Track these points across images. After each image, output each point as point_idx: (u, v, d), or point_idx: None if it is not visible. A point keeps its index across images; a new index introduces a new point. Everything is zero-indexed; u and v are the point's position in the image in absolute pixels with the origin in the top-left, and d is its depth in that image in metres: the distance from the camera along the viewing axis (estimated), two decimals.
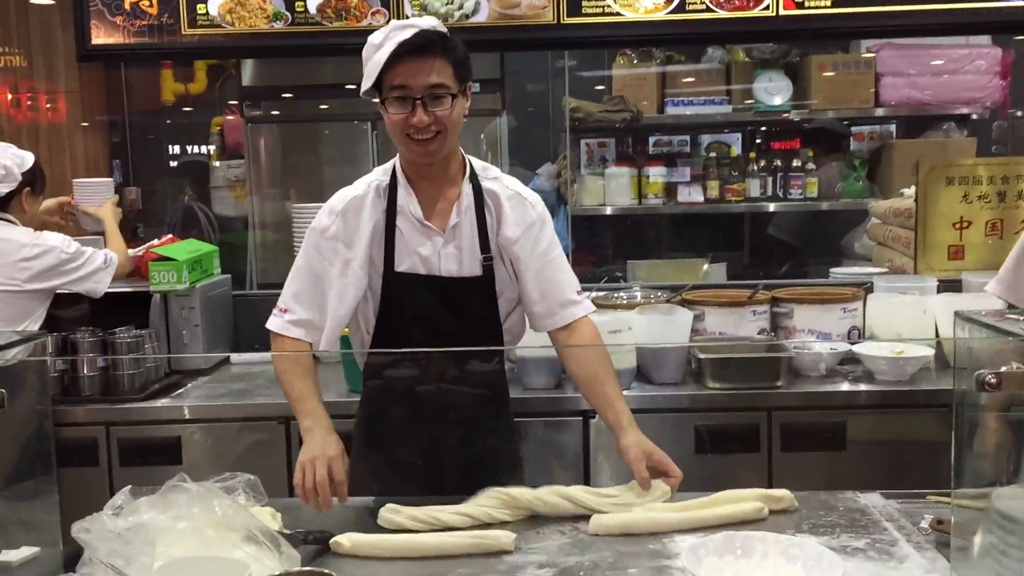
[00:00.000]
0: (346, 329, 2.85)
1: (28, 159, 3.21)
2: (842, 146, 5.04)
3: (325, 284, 2.17)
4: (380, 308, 2.20)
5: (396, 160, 2.23)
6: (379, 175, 2.23)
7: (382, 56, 2.01)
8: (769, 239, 5.09)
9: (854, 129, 5.14)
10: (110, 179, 3.96)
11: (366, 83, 2.08)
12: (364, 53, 2.09)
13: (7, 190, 3.13)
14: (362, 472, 2.28)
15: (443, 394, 2.24)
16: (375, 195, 2.18)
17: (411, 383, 2.25)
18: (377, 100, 2.13)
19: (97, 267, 3.19)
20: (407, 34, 2.02)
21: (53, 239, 3.14)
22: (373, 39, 2.07)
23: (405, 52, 2.01)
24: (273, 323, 2.23)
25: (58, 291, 3.16)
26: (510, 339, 2.33)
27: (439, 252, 2.16)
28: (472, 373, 2.27)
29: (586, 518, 1.89)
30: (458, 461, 2.22)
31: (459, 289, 2.17)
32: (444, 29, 2.10)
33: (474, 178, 2.21)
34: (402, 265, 2.16)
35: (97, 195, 3.73)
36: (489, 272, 2.18)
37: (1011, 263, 2.48)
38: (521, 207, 2.21)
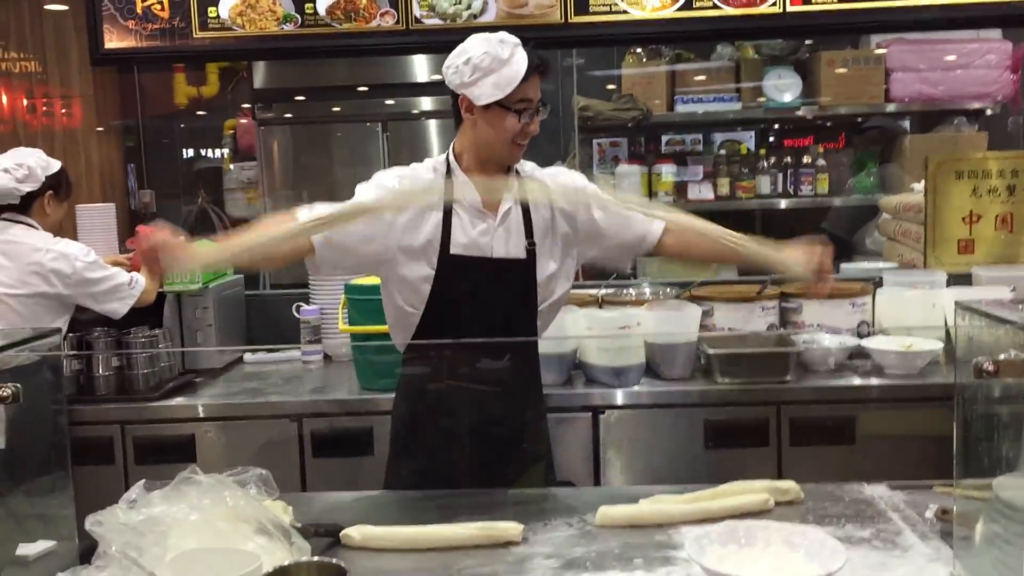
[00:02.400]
0: (355, 328, 2.89)
1: (54, 165, 3.23)
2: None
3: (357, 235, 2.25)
4: (433, 288, 2.29)
5: (447, 155, 2.36)
6: (435, 162, 2.37)
7: (517, 72, 2.18)
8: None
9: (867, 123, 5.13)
10: (111, 204, 4.02)
11: (497, 94, 2.19)
12: (481, 62, 2.19)
13: (28, 190, 3.14)
14: (396, 458, 2.39)
15: (478, 385, 2.32)
16: (436, 176, 2.34)
17: (446, 372, 2.33)
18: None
19: (119, 284, 3.13)
20: (524, 53, 2.21)
21: (70, 246, 3.12)
22: (496, 52, 2.19)
23: (534, 68, 2.21)
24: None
25: (78, 306, 3.13)
26: (542, 324, 2.42)
27: (492, 234, 2.30)
28: (509, 361, 2.35)
29: (593, 510, 1.90)
30: (492, 452, 2.31)
31: (506, 269, 2.31)
32: None
33: (516, 172, 2.39)
34: (457, 248, 2.27)
35: (99, 218, 3.79)
36: (532, 256, 2.32)
37: None
38: (564, 174, 2.47)
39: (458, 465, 2.31)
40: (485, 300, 2.28)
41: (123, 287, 3.14)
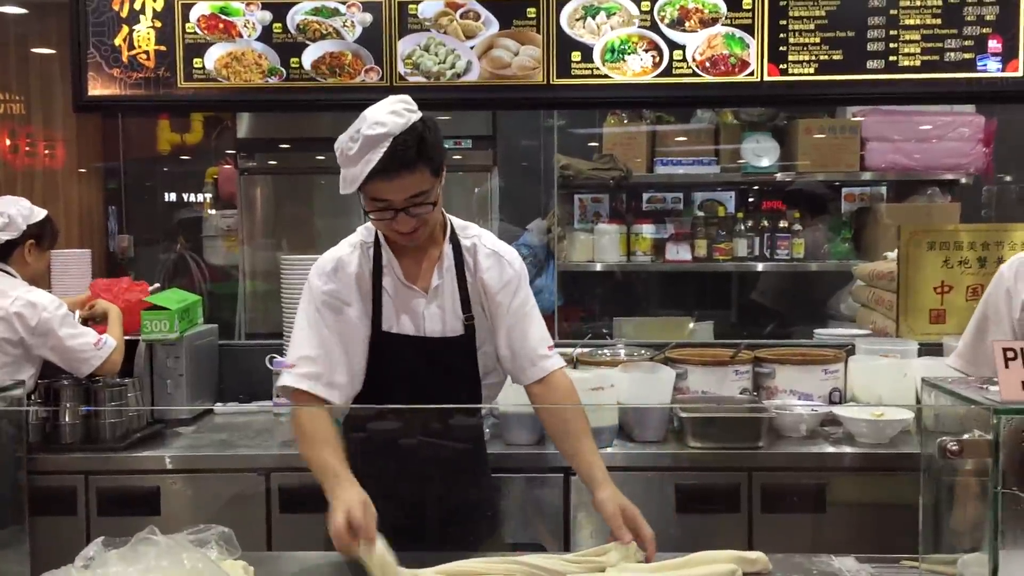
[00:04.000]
0: None
1: (39, 214, 3.20)
2: (827, 208, 5.10)
3: (333, 342, 2.18)
4: (367, 368, 2.22)
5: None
6: (363, 234, 2.27)
7: (358, 175, 2.00)
8: (755, 301, 5.14)
9: (844, 191, 5.21)
10: (87, 250, 3.99)
11: (347, 188, 2.05)
12: (338, 157, 2.06)
13: (7, 238, 3.11)
14: None
15: (421, 449, 2.25)
16: (361, 254, 2.23)
17: (389, 438, 2.26)
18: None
19: (85, 343, 3.06)
20: (381, 150, 1.97)
21: (41, 297, 3.06)
22: (345, 148, 2.03)
23: (381, 171, 1.99)
24: (286, 379, 2.19)
25: (45, 359, 3.06)
26: (489, 394, 2.36)
27: (422, 313, 2.21)
28: (450, 429, 2.28)
29: None
30: (436, 516, 2.23)
31: (442, 348, 2.22)
32: (415, 116, 2.06)
33: (454, 237, 2.27)
34: (389, 325, 2.20)
35: (73, 265, 3.76)
36: (470, 331, 2.23)
37: (969, 337, 2.51)
38: (499, 265, 2.26)
39: (402, 532, 2.20)
40: (421, 380, 2.20)
41: (89, 347, 3.07)
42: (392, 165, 1.99)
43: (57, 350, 3.05)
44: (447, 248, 2.24)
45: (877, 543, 2.14)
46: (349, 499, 1.90)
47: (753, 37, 3.41)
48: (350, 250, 2.24)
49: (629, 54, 3.44)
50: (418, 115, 2.07)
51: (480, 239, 2.28)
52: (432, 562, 1.96)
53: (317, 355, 2.16)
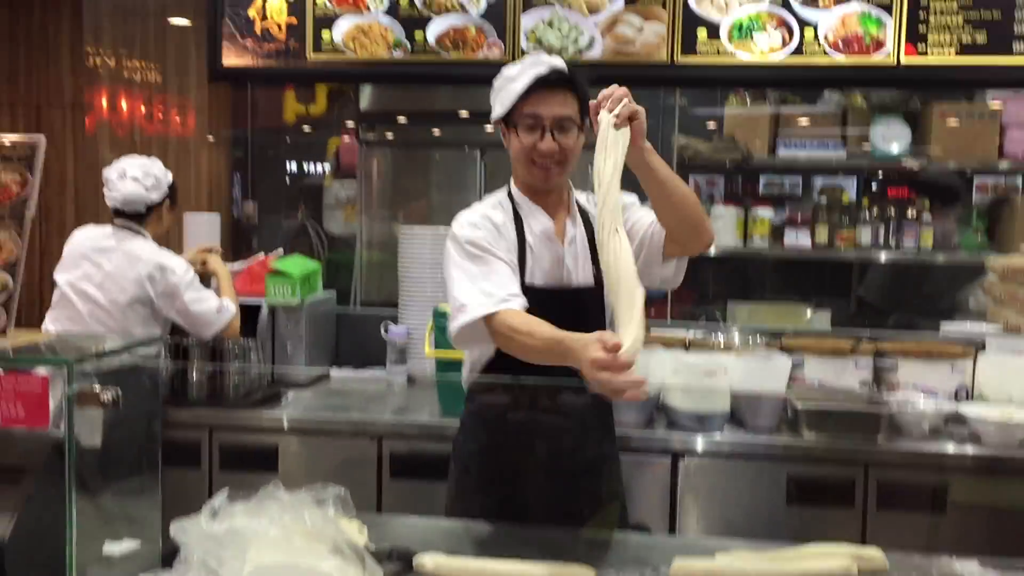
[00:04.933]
0: (441, 352, 2.90)
1: (170, 174, 3.31)
2: (959, 198, 4.87)
3: (493, 271, 2.16)
4: None
5: (508, 189, 2.34)
6: (500, 196, 2.35)
7: (519, 87, 2.18)
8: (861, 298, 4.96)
9: (977, 180, 4.96)
10: (217, 214, 4.14)
11: (499, 111, 2.24)
12: (497, 84, 2.25)
13: (157, 198, 3.22)
14: (461, 495, 2.33)
15: (548, 423, 2.27)
16: (503, 212, 2.30)
17: (515, 410, 2.28)
18: (493, 128, 2.28)
19: (208, 309, 3.18)
20: (542, 69, 2.18)
21: (174, 261, 3.18)
22: (508, 72, 2.24)
23: (540, 85, 2.17)
24: (459, 318, 2.12)
25: (170, 319, 3.19)
26: None
27: (564, 264, 2.28)
28: (580, 403, 2.28)
29: (667, 560, 1.87)
30: (559, 491, 2.26)
31: (579, 298, 2.28)
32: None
33: (576, 202, 2.36)
34: (531, 279, 2.25)
35: (205, 226, 3.90)
36: (599, 281, 2.28)
37: None
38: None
39: (524, 503, 2.24)
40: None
41: (211, 313, 3.18)
42: (552, 77, 2.17)
43: (182, 313, 3.18)
44: (574, 207, 2.33)
45: (1000, 550, 2.04)
46: (586, 353, 1.74)
47: (890, 16, 3.27)
48: (493, 207, 2.32)
49: (757, 32, 3.36)
50: None
51: (588, 196, 2.36)
52: (534, 539, 1.98)
53: (481, 288, 2.13)
